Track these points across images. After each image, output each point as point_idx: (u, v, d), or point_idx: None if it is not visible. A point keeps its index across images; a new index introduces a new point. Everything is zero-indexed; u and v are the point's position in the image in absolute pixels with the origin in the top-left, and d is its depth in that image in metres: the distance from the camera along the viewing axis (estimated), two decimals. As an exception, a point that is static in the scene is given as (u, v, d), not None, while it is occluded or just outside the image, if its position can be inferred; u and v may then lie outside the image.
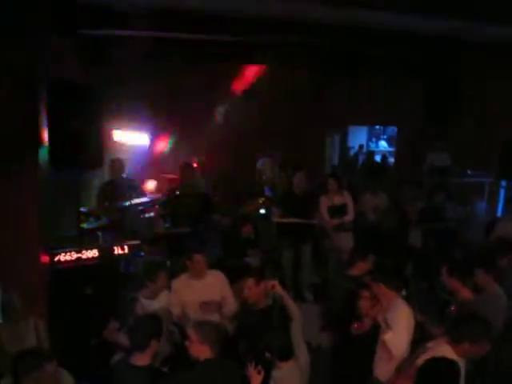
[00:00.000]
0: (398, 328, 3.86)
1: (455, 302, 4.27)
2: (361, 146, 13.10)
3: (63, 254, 5.38)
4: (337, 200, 6.98)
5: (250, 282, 4.31)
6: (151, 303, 4.53)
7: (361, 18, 6.17)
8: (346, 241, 6.78)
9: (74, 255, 5.44)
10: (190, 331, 3.60)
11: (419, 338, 3.88)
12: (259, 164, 9.14)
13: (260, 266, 5.50)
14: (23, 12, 4.78)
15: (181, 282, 4.77)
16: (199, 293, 4.64)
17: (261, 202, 8.23)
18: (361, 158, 12.69)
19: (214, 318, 4.54)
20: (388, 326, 3.88)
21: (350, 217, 6.98)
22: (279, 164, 9.11)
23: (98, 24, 6.15)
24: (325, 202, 7.00)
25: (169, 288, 4.71)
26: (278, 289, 4.26)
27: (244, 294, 4.35)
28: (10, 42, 4.75)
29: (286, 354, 3.91)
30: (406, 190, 8.10)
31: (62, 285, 5.29)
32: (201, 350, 3.50)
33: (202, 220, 6.44)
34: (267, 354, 3.85)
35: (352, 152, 13.19)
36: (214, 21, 6.26)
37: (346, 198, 7.01)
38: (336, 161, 12.35)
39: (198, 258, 4.65)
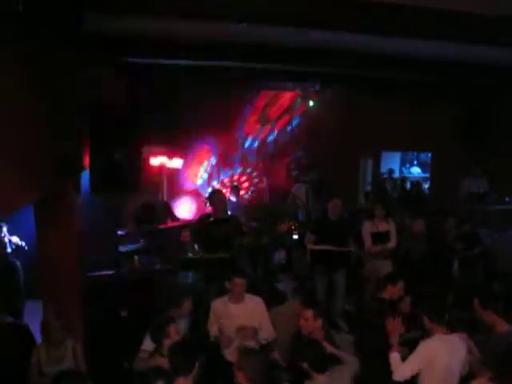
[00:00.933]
0: (410, 358, 3.92)
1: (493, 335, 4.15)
2: (391, 171, 12.90)
3: (101, 276, 5.45)
4: (381, 227, 6.93)
5: (309, 314, 4.28)
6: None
7: (398, 46, 6.18)
8: (385, 268, 6.67)
9: (111, 277, 5.50)
10: (238, 361, 3.55)
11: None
12: (294, 189, 9.15)
13: (320, 301, 5.40)
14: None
15: (220, 304, 4.80)
16: (237, 317, 4.66)
17: (293, 226, 8.21)
18: (391, 184, 12.47)
19: (251, 343, 4.52)
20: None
21: (392, 244, 6.91)
22: (315, 190, 9.08)
23: (138, 52, 6.32)
24: (369, 228, 6.95)
25: (190, 315, 4.70)
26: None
27: (299, 322, 4.32)
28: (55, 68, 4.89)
29: (322, 365, 3.87)
30: (443, 218, 7.97)
31: (99, 306, 5.35)
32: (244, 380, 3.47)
33: (233, 245, 6.43)
34: (303, 365, 3.83)
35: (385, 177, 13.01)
36: (249, 48, 6.36)
37: (390, 225, 6.97)
38: (368, 186, 12.22)
39: (238, 281, 4.68)
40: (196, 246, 6.70)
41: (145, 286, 5.78)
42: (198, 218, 6.77)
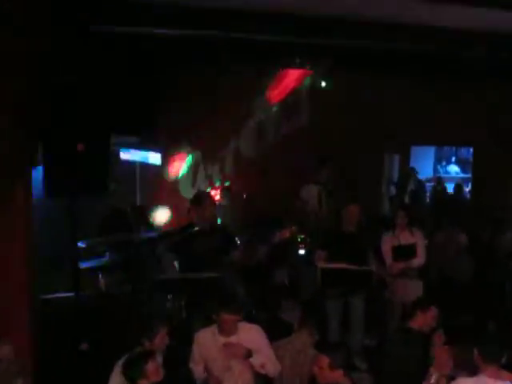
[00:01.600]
0: None
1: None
2: (412, 169, 12.92)
3: (57, 300, 5.47)
4: (404, 239, 6.94)
5: (324, 361, 4.27)
6: None
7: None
8: (414, 291, 6.67)
9: (70, 301, 5.53)
10: None
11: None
12: (303, 191, 9.14)
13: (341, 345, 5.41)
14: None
15: (206, 337, 4.79)
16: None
17: (298, 234, 8.21)
18: (412, 185, 12.52)
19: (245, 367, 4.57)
20: None
21: (419, 260, 6.92)
22: (329, 192, 9.05)
23: (112, 19, 6.33)
24: (389, 241, 6.96)
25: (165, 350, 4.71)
26: None
27: (313, 369, 4.32)
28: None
29: None
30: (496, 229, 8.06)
31: (53, 337, 5.37)
32: None
33: (222, 261, 6.45)
34: None
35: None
36: (251, 17, 6.39)
37: (416, 237, 6.98)
38: (393, 189, 12.28)
39: (228, 318, 4.64)
40: (176, 263, 6.73)
41: (111, 312, 5.78)
42: (178, 227, 6.79)
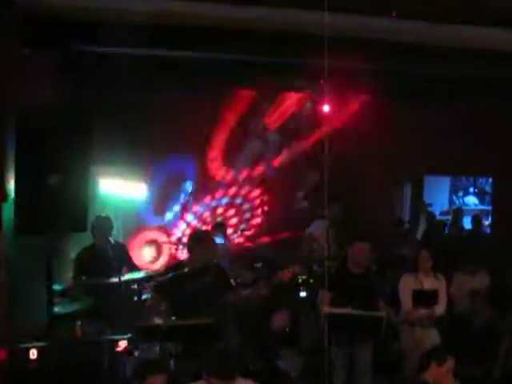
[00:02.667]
0: None
1: None
2: (423, 203, 12.85)
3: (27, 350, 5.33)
4: (428, 283, 6.95)
5: None
6: None
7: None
8: (429, 340, 6.63)
9: (42, 352, 5.40)
10: None
11: None
12: (311, 227, 9.08)
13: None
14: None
15: None
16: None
17: (299, 276, 8.14)
18: (422, 221, 12.44)
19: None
20: None
21: (441, 309, 6.96)
22: (339, 228, 8.98)
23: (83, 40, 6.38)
24: (409, 284, 6.96)
25: None
26: None
27: None
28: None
29: None
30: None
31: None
32: None
33: (215, 306, 6.36)
34: None
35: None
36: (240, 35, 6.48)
37: (440, 283, 7.02)
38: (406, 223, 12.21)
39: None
40: (163, 308, 6.63)
41: (89, 365, 5.66)
42: (167, 267, 6.73)
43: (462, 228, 12.14)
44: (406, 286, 6.96)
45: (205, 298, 6.15)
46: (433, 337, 6.82)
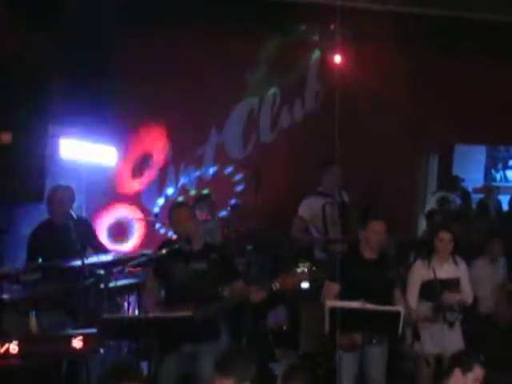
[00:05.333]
0: None
1: None
2: (454, 177, 12.84)
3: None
4: (444, 271, 6.99)
5: None
6: None
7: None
8: (452, 342, 6.71)
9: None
10: None
11: None
12: (303, 207, 9.10)
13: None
14: None
15: None
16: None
17: (303, 270, 8.18)
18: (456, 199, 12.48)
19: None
20: None
21: (466, 297, 7.00)
22: (340, 207, 9.02)
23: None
24: (419, 274, 7.02)
25: None
26: None
27: None
28: None
29: None
30: None
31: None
32: None
33: (209, 297, 6.47)
34: None
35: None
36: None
37: (460, 270, 7.05)
38: (431, 201, 12.27)
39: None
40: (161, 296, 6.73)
41: (44, 366, 5.74)
42: (160, 245, 6.85)
43: (499, 208, 12.24)
44: (416, 274, 7.01)
45: (198, 286, 6.27)
46: (457, 340, 6.89)
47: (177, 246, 6.41)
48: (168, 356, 5.99)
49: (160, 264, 6.51)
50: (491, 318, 7.89)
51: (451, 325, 6.93)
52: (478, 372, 5.01)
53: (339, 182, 9.05)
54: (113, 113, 9.05)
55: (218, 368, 4.75)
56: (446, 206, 10.85)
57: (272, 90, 10.81)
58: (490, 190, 13.02)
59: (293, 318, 8.22)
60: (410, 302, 6.89)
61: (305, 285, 8.27)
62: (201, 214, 9.08)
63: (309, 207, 8.97)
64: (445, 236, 6.97)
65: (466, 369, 5.01)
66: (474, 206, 12.62)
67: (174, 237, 6.69)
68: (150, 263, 6.77)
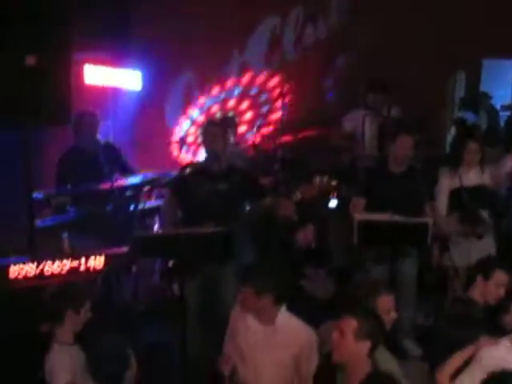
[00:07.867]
0: None
1: None
2: (482, 94, 12.66)
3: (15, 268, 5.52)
4: (471, 178, 7.00)
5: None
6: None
7: None
8: (483, 252, 6.75)
9: (30, 270, 5.58)
10: None
11: None
12: (346, 119, 9.04)
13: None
14: None
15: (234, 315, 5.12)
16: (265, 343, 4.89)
17: (322, 179, 8.17)
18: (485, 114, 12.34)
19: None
20: None
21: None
22: (380, 120, 8.92)
23: None
24: (447, 182, 7.05)
25: None
26: None
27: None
28: None
29: None
30: None
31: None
32: None
33: (235, 214, 6.57)
34: None
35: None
36: None
37: (485, 178, 7.03)
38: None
39: (246, 293, 4.86)
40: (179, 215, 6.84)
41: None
42: (182, 167, 6.94)
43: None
44: (444, 183, 7.02)
45: (220, 206, 6.38)
46: (487, 248, 6.88)
47: (200, 165, 6.53)
48: (193, 279, 6.17)
49: (181, 183, 6.68)
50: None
51: (480, 237, 6.99)
52: (500, 277, 5.15)
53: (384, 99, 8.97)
54: (137, 36, 9.06)
55: (239, 277, 4.94)
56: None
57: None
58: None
59: (321, 235, 8.29)
60: (440, 210, 6.98)
61: (333, 203, 8.35)
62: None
63: (350, 119, 8.95)
64: (472, 147, 6.99)
65: (487, 275, 5.16)
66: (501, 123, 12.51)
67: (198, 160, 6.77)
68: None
